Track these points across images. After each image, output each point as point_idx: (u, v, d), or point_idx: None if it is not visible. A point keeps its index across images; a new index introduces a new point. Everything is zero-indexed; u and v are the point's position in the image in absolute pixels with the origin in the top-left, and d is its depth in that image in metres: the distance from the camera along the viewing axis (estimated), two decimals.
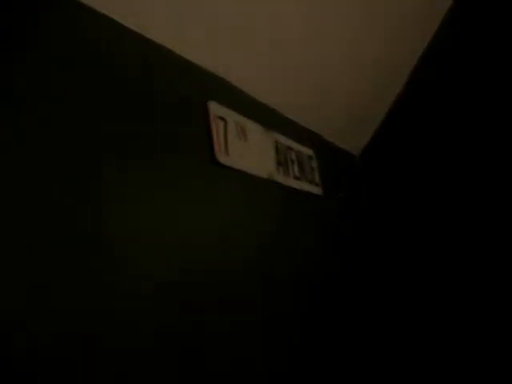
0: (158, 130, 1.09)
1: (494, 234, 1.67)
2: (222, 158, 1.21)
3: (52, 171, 0.85)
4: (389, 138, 2.08)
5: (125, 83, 1.06)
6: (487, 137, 1.76)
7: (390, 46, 1.88)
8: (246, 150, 1.34)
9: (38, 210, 0.81)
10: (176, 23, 1.17)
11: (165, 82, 1.16)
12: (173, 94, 1.18)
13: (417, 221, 1.91)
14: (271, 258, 1.33)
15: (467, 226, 1.75)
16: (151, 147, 1.07)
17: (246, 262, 1.23)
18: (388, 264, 1.90)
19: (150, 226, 1.00)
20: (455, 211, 1.80)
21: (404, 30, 1.88)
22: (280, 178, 1.46)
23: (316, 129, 1.86)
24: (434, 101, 1.96)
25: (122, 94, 1.04)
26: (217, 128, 1.23)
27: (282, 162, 1.51)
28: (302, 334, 1.33)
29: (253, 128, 1.41)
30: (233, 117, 1.33)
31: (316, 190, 1.68)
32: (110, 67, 1.04)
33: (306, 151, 1.72)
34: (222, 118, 1.27)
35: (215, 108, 1.26)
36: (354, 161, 2.12)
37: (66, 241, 0.83)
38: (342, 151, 2.04)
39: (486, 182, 1.74)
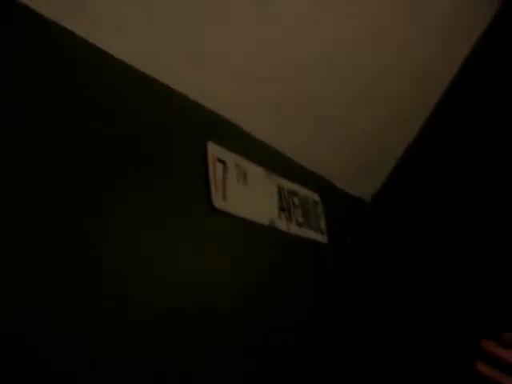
0: (151, 175, 1.03)
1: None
2: (219, 204, 1.13)
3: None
4: (401, 183, 2.00)
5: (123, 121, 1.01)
6: (505, 183, 1.68)
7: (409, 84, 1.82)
8: (247, 194, 1.27)
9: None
10: (170, 58, 1.12)
11: (160, 120, 1.11)
12: (168, 133, 1.12)
13: (429, 269, 1.80)
14: (269, 308, 1.23)
15: (482, 275, 1.64)
16: (147, 192, 1.00)
17: (239, 312, 1.13)
18: (400, 313, 1.78)
19: (138, 276, 0.92)
20: (470, 262, 1.70)
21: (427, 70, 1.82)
22: (282, 225, 1.38)
23: (324, 173, 1.79)
24: (450, 147, 1.88)
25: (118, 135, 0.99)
26: (215, 171, 1.16)
27: (284, 208, 1.42)
28: None
29: (255, 171, 1.34)
30: (233, 159, 1.26)
31: (321, 238, 1.58)
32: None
33: (312, 196, 1.63)
34: (221, 161, 1.21)
35: (214, 149, 1.19)
36: (365, 206, 2.03)
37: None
38: (351, 196, 1.96)
39: (500, 230, 1.64)
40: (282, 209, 1.41)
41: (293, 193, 1.52)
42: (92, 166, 0.92)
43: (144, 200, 0.99)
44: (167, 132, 1.12)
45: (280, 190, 1.44)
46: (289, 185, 1.51)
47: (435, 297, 1.73)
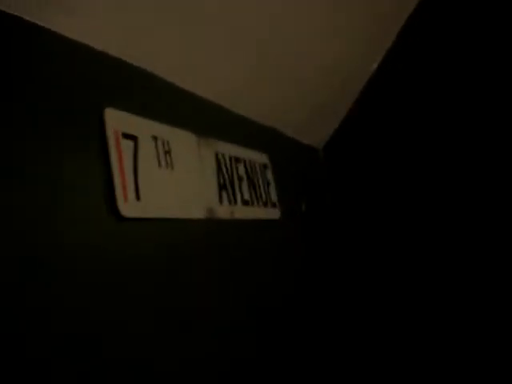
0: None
1: (467, 224, 1.40)
2: (128, 209, 0.73)
3: None
4: (355, 129, 1.66)
5: None
6: (455, 125, 1.43)
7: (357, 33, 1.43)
8: (173, 181, 0.86)
9: None
10: None
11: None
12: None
13: (387, 219, 1.56)
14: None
15: (443, 222, 1.44)
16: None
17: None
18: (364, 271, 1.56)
19: None
20: (429, 206, 1.47)
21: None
22: (224, 212, 1.00)
23: (271, 123, 1.40)
24: (405, 87, 1.57)
25: None
26: (120, 156, 0.74)
27: (226, 185, 1.04)
28: None
29: (183, 141, 0.92)
30: (149, 130, 0.83)
31: (272, 213, 1.24)
32: None
33: (260, 158, 1.26)
34: (129, 136, 0.78)
35: (116, 119, 0.76)
36: (318, 157, 1.68)
37: None
38: (303, 146, 1.60)
39: (455, 171, 1.44)
40: (223, 187, 1.03)
41: (236, 159, 1.13)
42: None
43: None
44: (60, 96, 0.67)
45: (219, 159, 1.05)
46: (230, 149, 1.11)
47: (396, 249, 1.52)
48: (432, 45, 1.52)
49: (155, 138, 0.84)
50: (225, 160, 1.07)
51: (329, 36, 1.36)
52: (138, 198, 0.75)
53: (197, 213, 0.91)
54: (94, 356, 0.64)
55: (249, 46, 1.15)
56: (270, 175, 1.28)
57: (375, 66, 1.63)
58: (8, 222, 0.58)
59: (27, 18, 0.65)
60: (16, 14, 0.64)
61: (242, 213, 1.09)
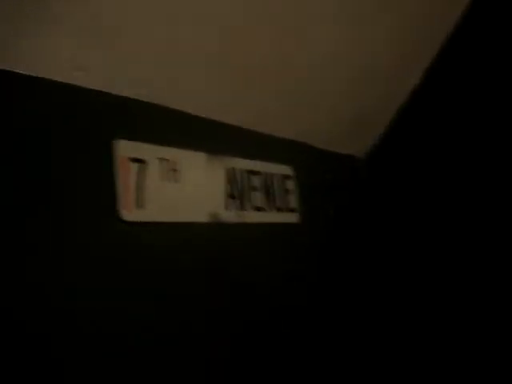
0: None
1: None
2: (131, 214, 0.98)
3: None
4: (400, 139, 1.72)
5: None
6: (497, 141, 1.40)
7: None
8: (177, 192, 1.09)
9: None
10: None
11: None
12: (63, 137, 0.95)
13: (421, 233, 1.59)
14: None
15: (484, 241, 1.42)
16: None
17: None
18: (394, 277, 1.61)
19: None
20: (470, 223, 1.47)
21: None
22: (230, 216, 1.21)
23: (300, 137, 1.56)
24: (455, 95, 1.58)
25: None
26: (125, 175, 0.99)
27: (234, 195, 1.24)
28: None
29: (190, 161, 1.15)
30: (156, 153, 1.08)
31: (290, 218, 1.40)
32: None
33: (280, 170, 1.43)
34: (137, 160, 1.03)
35: (125, 148, 1.01)
36: (356, 166, 1.79)
37: None
38: (337, 155, 1.72)
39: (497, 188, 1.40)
40: (231, 196, 1.23)
41: (251, 172, 1.32)
42: None
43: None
44: (62, 134, 0.95)
45: (230, 173, 1.25)
46: (244, 164, 1.31)
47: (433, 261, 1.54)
48: (486, 53, 1.52)
49: (162, 160, 1.08)
50: (236, 174, 1.27)
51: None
52: (142, 206, 1.00)
53: (200, 217, 1.13)
54: None
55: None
56: (291, 185, 1.44)
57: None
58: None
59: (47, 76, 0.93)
60: (42, 75, 0.92)
61: (254, 217, 1.27)
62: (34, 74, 0.90)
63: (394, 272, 1.60)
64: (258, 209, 1.30)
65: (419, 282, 1.56)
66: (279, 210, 1.37)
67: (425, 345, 1.47)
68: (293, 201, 1.43)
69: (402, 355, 1.47)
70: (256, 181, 1.33)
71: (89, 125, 0.98)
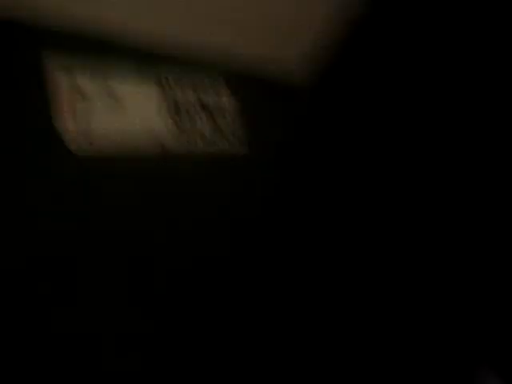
0: None
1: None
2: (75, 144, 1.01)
3: None
4: (345, 70, 1.75)
5: None
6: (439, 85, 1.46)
7: None
8: (121, 122, 1.12)
9: None
10: None
11: None
12: None
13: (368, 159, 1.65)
14: None
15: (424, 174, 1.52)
16: None
17: None
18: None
19: None
20: (410, 155, 1.55)
21: None
22: (178, 147, 1.25)
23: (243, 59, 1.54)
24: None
25: None
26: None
27: (185, 128, 1.28)
28: None
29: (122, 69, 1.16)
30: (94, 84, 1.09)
31: (237, 149, 1.45)
32: None
33: (228, 102, 1.46)
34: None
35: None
36: (302, 97, 1.82)
37: None
38: (283, 88, 1.74)
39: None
40: (179, 128, 1.27)
41: (199, 104, 1.35)
42: None
43: None
44: None
45: (176, 105, 1.28)
46: (191, 96, 1.33)
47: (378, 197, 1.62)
48: None
49: (100, 86, 1.09)
50: (181, 104, 1.29)
51: None
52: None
53: (148, 149, 1.16)
54: None
55: None
56: (235, 113, 1.46)
57: None
58: None
59: None
60: None
61: (201, 148, 1.32)
62: None
63: (336, 204, 1.67)
64: (205, 141, 1.34)
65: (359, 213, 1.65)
66: (227, 140, 1.41)
67: (363, 284, 1.54)
68: (239, 131, 1.47)
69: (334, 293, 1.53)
70: (203, 113, 1.36)
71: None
